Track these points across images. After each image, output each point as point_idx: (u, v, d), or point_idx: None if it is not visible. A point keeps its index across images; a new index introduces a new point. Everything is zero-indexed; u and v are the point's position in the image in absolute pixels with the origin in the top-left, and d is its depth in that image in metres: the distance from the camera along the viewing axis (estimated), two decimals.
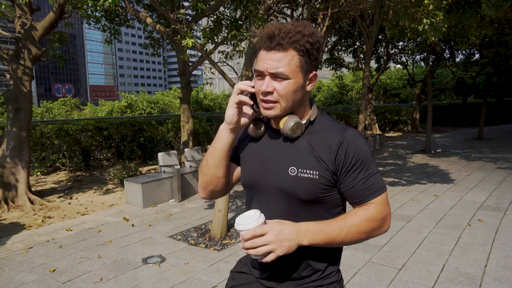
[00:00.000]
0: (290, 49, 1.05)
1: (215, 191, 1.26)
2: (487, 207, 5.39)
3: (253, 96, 1.15)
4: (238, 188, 6.53)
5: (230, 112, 1.14)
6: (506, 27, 9.17)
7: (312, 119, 1.16)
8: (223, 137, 1.17)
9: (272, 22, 9.43)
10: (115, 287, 3.15)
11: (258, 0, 5.11)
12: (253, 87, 1.12)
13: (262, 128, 1.21)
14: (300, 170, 1.10)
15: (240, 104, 1.13)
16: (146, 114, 15.94)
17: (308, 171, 1.09)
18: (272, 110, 1.09)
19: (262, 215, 1.05)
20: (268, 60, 1.06)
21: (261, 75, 1.08)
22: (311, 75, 1.12)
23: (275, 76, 1.06)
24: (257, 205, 1.19)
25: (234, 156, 1.29)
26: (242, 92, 1.13)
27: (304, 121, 1.14)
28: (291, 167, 1.11)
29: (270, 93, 1.07)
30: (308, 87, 1.13)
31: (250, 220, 1.02)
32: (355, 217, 1.09)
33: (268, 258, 1.01)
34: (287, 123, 1.10)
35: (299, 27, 1.06)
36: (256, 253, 1.00)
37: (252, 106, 1.16)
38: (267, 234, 1.00)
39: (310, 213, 1.13)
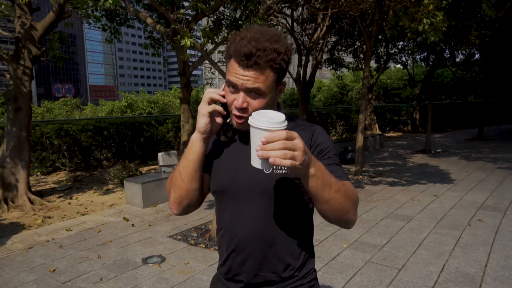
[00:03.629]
0: (267, 68, 1.04)
1: (190, 205, 1.21)
2: (487, 207, 5.39)
3: (223, 104, 1.15)
4: None
5: (203, 122, 1.12)
6: (506, 27, 9.17)
7: None
8: (197, 147, 1.14)
9: (272, 22, 9.44)
10: (115, 287, 3.15)
11: (258, 0, 5.11)
12: (223, 96, 1.12)
13: (231, 133, 1.21)
14: (274, 166, 1.10)
15: (212, 113, 1.13)
16: (146, 114, 15.94)
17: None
18: (245, 124, 1.09)
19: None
20: (244, 76, 1.04)
21: (235, 88, 1.08)
22: (281, 85, 1.14)
23: (250, 91, 1.06)
24: (231, 210, 1.16)
25: (204, 165, 1.24)
26: (212, 101, 1.12)
27: None
28: None
29: (245, 109, 1.08)
30: (278, 95, 1.15)
31: (276, 120, 0.91)
32: (344, 182, 1.06)
33: (288, 162, 0.89)
34: None
35: (275, 44, 1.04)
36: (284, 156, 0.89)
37: (224, 116, 1.16)
38: (296, 139, 0.91)
39: (287, 211, 1.15)
